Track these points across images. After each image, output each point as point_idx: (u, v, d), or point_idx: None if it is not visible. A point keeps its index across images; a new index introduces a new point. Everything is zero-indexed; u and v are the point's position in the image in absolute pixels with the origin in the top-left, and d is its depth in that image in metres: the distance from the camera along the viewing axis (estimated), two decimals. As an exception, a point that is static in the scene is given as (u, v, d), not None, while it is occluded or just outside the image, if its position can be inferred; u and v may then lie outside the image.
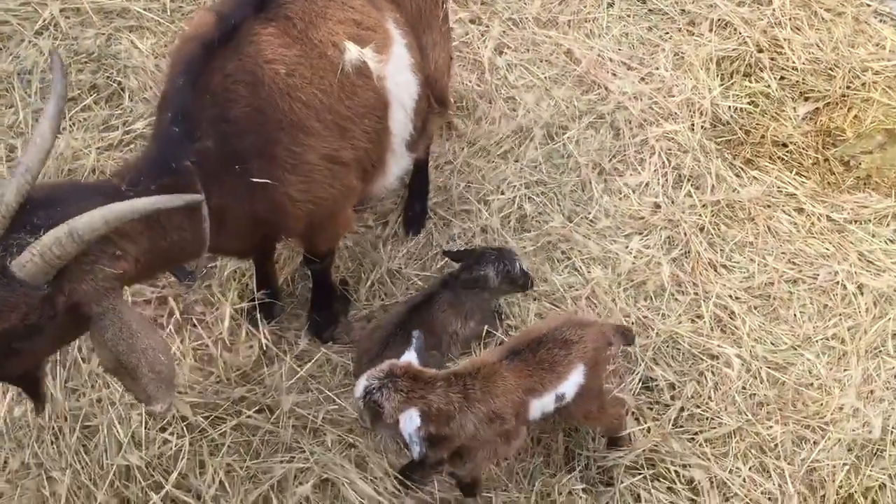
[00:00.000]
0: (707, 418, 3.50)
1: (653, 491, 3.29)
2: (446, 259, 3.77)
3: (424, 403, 2.68)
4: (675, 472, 3.35)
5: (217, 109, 2.53)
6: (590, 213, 4.04)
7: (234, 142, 2.55)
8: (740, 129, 4.36)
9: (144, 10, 4.32)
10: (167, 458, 3.16)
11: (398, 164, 3.18)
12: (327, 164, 2.74)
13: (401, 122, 3.03)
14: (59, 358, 3.30)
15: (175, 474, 3.11)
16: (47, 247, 2.07)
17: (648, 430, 3.42)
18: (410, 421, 2.64)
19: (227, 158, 2.56)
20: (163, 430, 3.21)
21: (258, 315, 3.43)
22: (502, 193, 4.06)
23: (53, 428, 3.16)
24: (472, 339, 3.58)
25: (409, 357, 2.79)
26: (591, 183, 4.13)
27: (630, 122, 4.32)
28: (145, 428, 3.20)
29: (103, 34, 4.22)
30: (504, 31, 4.60)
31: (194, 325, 3.49)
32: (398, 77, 2.94)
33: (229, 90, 2.53)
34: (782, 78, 4.54)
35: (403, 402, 2.64)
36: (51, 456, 3.11)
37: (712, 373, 3.62)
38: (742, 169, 4.24)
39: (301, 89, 2.63)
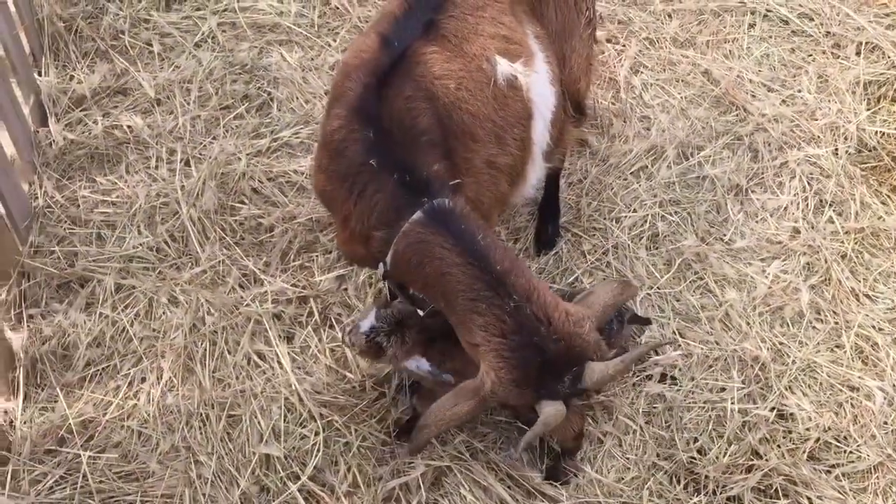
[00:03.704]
0: (845, 451, 3.39)
1: (786, 521, 3.21)
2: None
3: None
4: (809, 501, 3.25)
5: (412, 132, 2.69)
6: (725, 235, 3.97)
7: (435, 148, 2.73)
8: (888, 155, 4.21)
9: (294, 25, 4.54)
10: (304, 451, 3.29)
11: (535, 172, 3.28)
12: (488, 169, 2.89)
13: (540, 132, 3.13)
14: (208, 348, 3.50)
15: (311, 467, 3.23)
16: None
17: (783, 455, 3.33)
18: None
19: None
20: (301, 425, 3.34)
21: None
22: (634, 211, 4.05)
23: (201, 415, 3.35)
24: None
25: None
26: (726, 204, 4.06)
27: (769, 145, 4.23)
28: (284, 422, 3.34)
29: (256, 47, 4.46)
30: (641, 51, 4.59)
31: (331, 326, 3.63)
32: (539, 89, 3.04)
33: (412, 109, 2.69)
34: (934, 103, 4.37)
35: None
36: (198, 441, 3.29)
37: (852, 405, 3.49)
38: (889, 196, 4.09)
39: (467, 101, 2.78)
